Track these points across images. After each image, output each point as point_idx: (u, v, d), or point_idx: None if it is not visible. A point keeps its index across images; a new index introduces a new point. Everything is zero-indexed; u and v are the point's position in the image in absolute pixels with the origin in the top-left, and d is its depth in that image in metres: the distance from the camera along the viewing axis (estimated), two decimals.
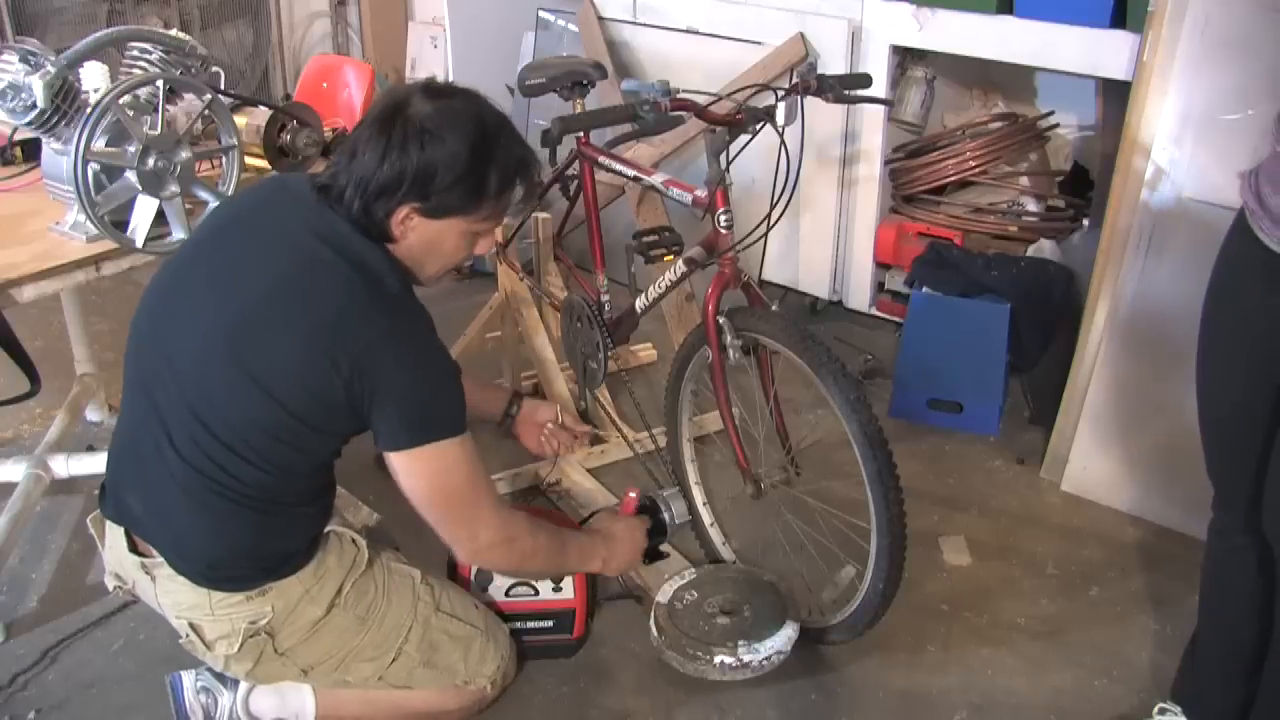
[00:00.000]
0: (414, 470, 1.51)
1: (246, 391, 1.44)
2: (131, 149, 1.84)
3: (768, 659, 1.77)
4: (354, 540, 1.67)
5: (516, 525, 1.64)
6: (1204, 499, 1.92)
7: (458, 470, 1.53)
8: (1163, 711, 1.74)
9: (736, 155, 1.87)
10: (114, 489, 1.60)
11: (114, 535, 1.63)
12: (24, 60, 1.76)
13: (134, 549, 1.60)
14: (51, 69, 1.76)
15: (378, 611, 1.65)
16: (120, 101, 1.79)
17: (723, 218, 1.88)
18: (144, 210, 1.90)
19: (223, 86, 2.07)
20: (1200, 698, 1.71)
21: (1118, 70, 2.40)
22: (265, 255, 1.49)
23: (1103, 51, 2.41)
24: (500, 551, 1.63)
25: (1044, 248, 2.82)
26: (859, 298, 3.17)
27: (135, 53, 1.96)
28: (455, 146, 1.43)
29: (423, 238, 1.50)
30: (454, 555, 1.71)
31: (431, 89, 1.47)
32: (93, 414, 2.70)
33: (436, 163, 1.42)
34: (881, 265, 3.11)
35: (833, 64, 2.88)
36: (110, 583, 1.68)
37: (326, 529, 1.65)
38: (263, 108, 2.22)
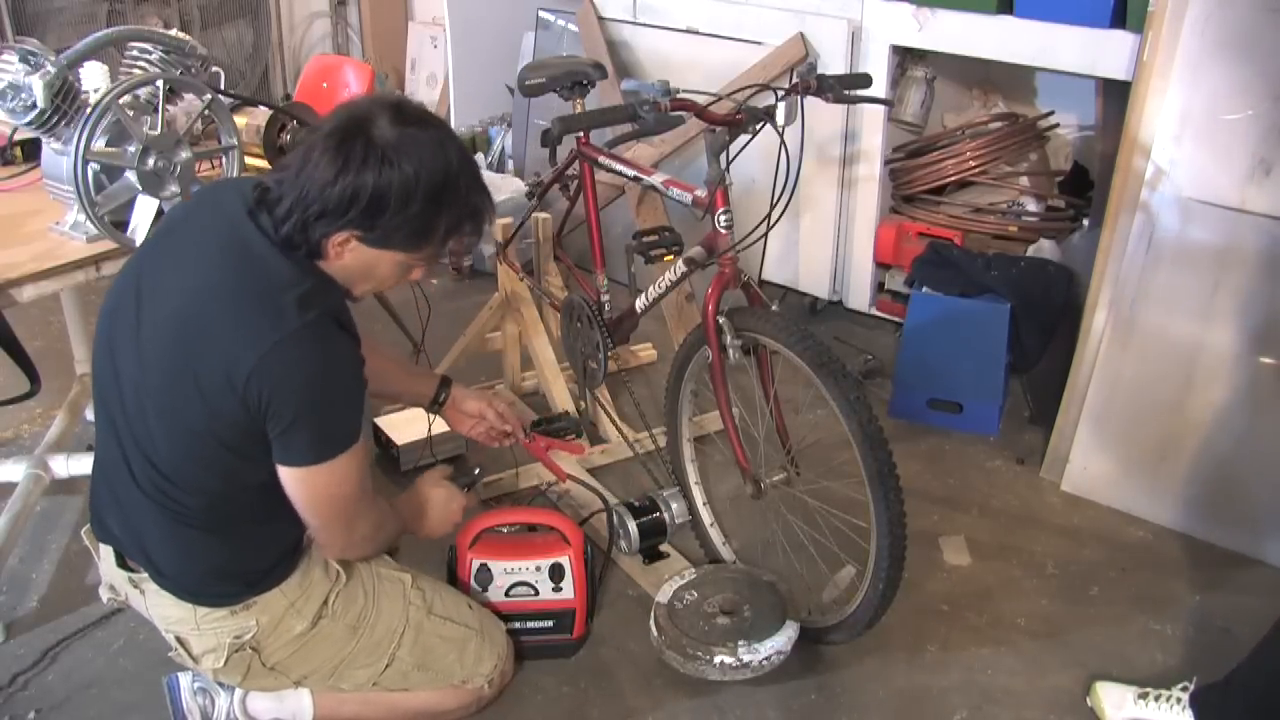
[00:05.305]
0: (304, 484, 1.46)
1: (168, 423, 1.41)
2: (131, 149, 1.84)
3: (768, 659, 1.77)
4: None
5: (383, 513, 1.63)
6: (1203, 499, 1.92)
7: (349, 480, 1.48)
8: (1185, 689, 1.74)
9: (736, 155, 1.88)
10: (95, 511, 1.60)
11: (105, 549, 1.62)
12: (24, 60, 1.76)
13: (122, 564, 1.59)
14: (51, 69, 1.76)
15: (368, 619, 1.64)
16: (120, 101, 1.79)
17: (723, 218, 1.88)
18: (144, 210, 1.90)
19: (223, 86, 2.07)
20: None
21: (1118, 70, 2.40)
22: (178, 282, 1.42)
23: (1103, 51, 2.41)
24: (370, 544, 1.63)
25: (1044, 248, 2.82)
26: (859, 298, 3.17)
27: (135, 53, 1.97)
28: (412, 183, 1.35)
29: (358, 261, 1.43)
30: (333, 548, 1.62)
31: (401, 113, 1.37)
32: (92, 414, 2.69)
33: (390, 196, 1.34)
34: (881, 265, 3.11)
35: (833, 64, 2.88)
36: (105, 594, 1.68)
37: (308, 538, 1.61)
38: (263, 108, 2.22)
